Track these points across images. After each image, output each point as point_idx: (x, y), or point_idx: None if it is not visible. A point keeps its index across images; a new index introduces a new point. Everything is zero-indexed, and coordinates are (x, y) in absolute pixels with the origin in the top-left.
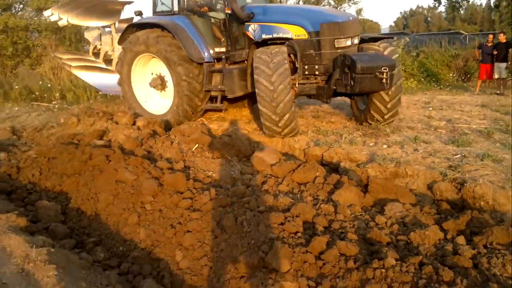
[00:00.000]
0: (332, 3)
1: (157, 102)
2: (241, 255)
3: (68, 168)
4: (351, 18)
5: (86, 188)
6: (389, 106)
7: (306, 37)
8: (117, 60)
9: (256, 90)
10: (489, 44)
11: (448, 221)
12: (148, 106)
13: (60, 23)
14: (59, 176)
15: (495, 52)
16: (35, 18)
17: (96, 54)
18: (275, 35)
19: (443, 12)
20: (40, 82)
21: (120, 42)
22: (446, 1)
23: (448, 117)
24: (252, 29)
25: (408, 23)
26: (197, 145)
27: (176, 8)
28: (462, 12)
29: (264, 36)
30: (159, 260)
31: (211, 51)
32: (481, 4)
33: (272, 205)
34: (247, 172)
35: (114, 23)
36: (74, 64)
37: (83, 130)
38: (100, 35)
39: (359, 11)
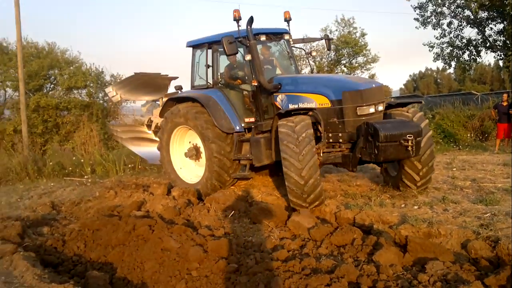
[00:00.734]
0: (346, 70)
1: (192, 171)
2: None
3: (113, 239)
4: (373, 85)
5: (132, 258)
6: (421, 173)
7: (329, 105)
8: (157, 126)
9: (282, 158)
10: (504, 104)
11: (489, 277)
12: (183, 174)
13: (114, 99)
14: (103, 247)
15: (511, 111)
16: (65, 97)
17: (149, 126)
18: (300, 105)
19: (453, 73)
20: (74, 158)
21: (161, 114)
22: (455, 63)
23: (472, 177)
24: (280, 99)
25: (418, 85)
26: (233, 211)
27: (210, 82)
28: (471, 72)
29: (291, 106)
30: None
31: (242, 122)
32: (489, 64)
33: (315, 267)
34: (285, 237)
35: (162, 97)
36: (125, 136)
37: (121, 202)
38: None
39: (372, 77)
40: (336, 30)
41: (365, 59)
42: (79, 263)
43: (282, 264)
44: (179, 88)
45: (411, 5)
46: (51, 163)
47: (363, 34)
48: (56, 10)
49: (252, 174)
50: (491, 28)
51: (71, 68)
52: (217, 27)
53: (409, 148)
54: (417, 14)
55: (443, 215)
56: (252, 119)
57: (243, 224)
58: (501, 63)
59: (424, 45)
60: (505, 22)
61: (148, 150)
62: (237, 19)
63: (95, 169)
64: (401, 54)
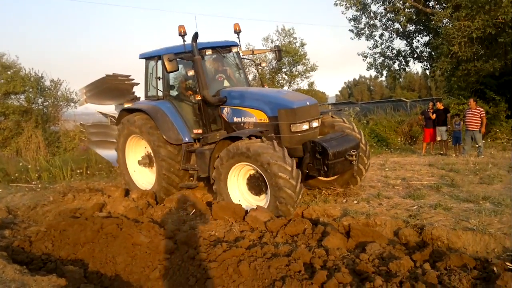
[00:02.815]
0: (287, 78)
1: (145, 176)
2: None
3: (81, 238)
4: (308, 103)
5: (103, 254)
6: (367, 166)
7: (267, 121)
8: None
9: (275, 175)
10: (430, 111)
11: (416, 253)
12: (136, 178)
13: (79, 103)
14: (72, 246)
15: (433, 116)
16: (2, 102)
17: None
18: (243, 119)
19: (384, 81)
20: (21, 164)
21: (116, 124)
22: (387, 72)
23: (402, 176)
24: (226, 111)
25: (353, 92)
26: (194, 210)
27: (160, 94)
28: (401, 80)
29: (235, 119)
30: None
31: (191, 133)
32: (417, 73)
33: (275, 252)
34: (245, 230)
35: (125, 102)
36: (93, 138)
37: (81, 205)
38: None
39: (311, 84)
40: (277, 39)
41: (305, 67)
42: (48, 261)
43: (246, 251)
44: (134, 98)
45: (346, 17)
46: None
47: (302, 44)
48: None
49: (198, 183)
50: (418, 40)
51: (9, 72)
52: (161, 38)
53: (353, 162)
54: (351, 25)
55: (378, 208)
56: (200, 131)
57: (205, 221)
58: (427, 72)
59: (359, 55)
60: (430, 35)
61: (113, 153)
62: (183, 35)
63: (41, 175)
64: (337, 62)
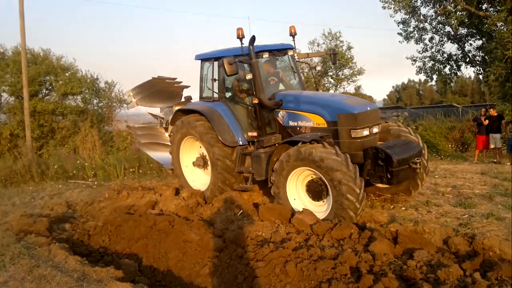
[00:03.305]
0: (333, 81)
1: (199, 178)
2: None
3: (135, 234)
4: (368, 108)
5: (155, 249)
6: (427, 170)
7: (325, 126)
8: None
9: (338, 182)
10: (483, 117)
11: (466, 262)
12: (190, 180)
13: (130, 106)
14: (127, 240)
15: (485, 122)
16: (60, 103)
17: (167, 129)
18: (299, 123)
19: (434, 85)
20: (78, 161)
21: (171, 123)
22: (437, 77)
23: (452, 184)
24: (281, 115)
25: (401, 96)
26: (241, 211)
27: (216, 96)
28: (452, 85)
29: (291, 123)
30: None
31: (246, 135)
32: (470, 77)
33: (321, 255)
34: (291, 232)
35: (174, 105)
36: (143, 141)
37: (134, 202)
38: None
39: (357, 88)
40: (324, 43)
41: (351, 71)
42: (105, 254)
43: (292, 252)
44: (188, 98)
45: (394, 20)
46: (55, 167)
47: (349, 48)
48: (50, 17)
49: (253, 186)
50: (471, 44)
51: (67, 74)
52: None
53: (417, 170)
54: (400, 29)
55: (427, 216)
56: (255, 133)
57: (252, 221)
58: (480, 77)
59: (407, 58)
60: (483, 39)
61: (163, 155)
62: (241, 37)
63: (97, 173)
64: (384, 66)
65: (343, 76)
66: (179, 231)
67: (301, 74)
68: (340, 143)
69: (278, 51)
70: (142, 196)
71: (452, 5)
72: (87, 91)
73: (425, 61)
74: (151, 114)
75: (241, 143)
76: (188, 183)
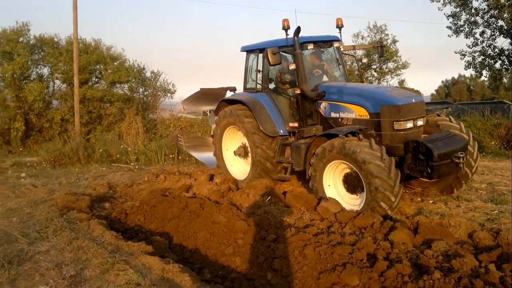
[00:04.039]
0: (376, 75)
1: (241, 167)
2: (320, 274)
3: (168, 214)
4: (413, 100)
5: (186, 229)
6: (474, 169)
7: (368, 117)
8: (212, 134)
9: (373, 177)
10: None
11: (483, 254)
12: (232, 169)
13: (177, 110)
14: (160, 220)
15: None
16: (109, 90)
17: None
18: (341, 114)
19: (486, 81)
20: (122, 146)
21: (216, 113)
22: (487, 72)
23: (488, 181)
24: (323, 106)
25: (451, 91)
26: (269, 197)
27: (259, 86)
28: (505, 81)
29: (332, 114)
30: (253, 280)
31: (286, 126)
32: None
33: (340, 241)
34: (315, 219)
35: None
36: (187, 144)
37: (170, 185)
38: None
39: (401, 82)
40: (368, 36)
41: (396, 65)
42: (140, 231)
43: (312, 237)
44: (233, 89)
45: (444, 13)
46: (100, 150)
47: (394, 41)
48: (103, 10)
49: (291, 177)
50: None
51: (115, 63)
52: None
53: (460, 165)
54: (450, 22)
55: (455, 210)
56: (296, 124)
57: (278, 207)
58: None
59: (456, 53)
60: None
61: (207, 155)
62: (286, 28)
63: (139, 158)
64: (433, 60)
65: (387, 70)
66: (208, 213)
67: (346, 67)
68: (382, 135)
69: (324, 42)
70: (178, 180)
71: None
72: (133, 80)
73: (474, 56)
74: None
75: (281, 133)
76: (229, 172)
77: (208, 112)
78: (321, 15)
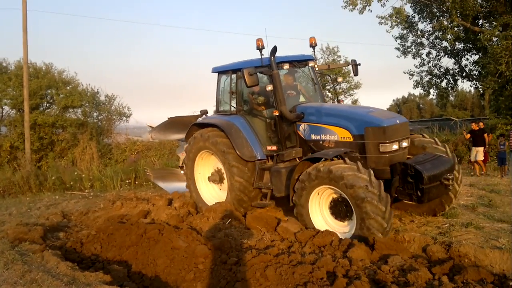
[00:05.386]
0: (330, 95)
1: (214, 193)
2: None
3: (126, 241)
4: (398, 121)
5: (145, 256)
6: (457, 194)
7: (351, 140)
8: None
9: (362, 200)
10: (475, 129)
11: (436, 266)
12: (205, 195)
13: (145, 139)
14: (118, 248)
15: (467, 136)
16: (61, 116)
17: (182, 167)
18: (322, 136)
19: (435, 99)
20: (76, 173)
21: (186, 138)
22: (434, 91)
23: None
24: (303, 128)
25: (402, 110)
26: (230, 219)
27: (233, 109)
28: (451, 99)
29: (313, 137)
30: None
31: (264, 149)
32: (470, 91)
33: (300, 261)
34: (275, 239)
35: None
36: (155, 175)
37: (127, 212)
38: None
39: (354, 102)
40: (321, 57)
41: (349, 85)
42: (97, 261)
43: (273, 258)
44: (204, 112)
45: (392, 35)
46: (53, 178)
47: (347, 63)
48: (53, 33)
49: (272, 203)
50: (467, 59)
51: (68, 88)
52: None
53: (450, 186)
54: (398, 43)
55: (409, 225)
56: (274, 147)
57: (239, 229)
58: (479, 90)
59: (405, 73)
60: (479, 54)
61: (177, 186)
62: (260, 48)
63: (93, 184)
64: (383, 80)
65: (340, 90)
66: (167, 239)
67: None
68: (367, 158)
69: (299, 62)
70: (136, 206)
71: (449, 20)
72: (87, 104)
73: (422, 75)
74: (150, 126)
75: (259, 157)
76: (202, 200)
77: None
78: (273, 38)
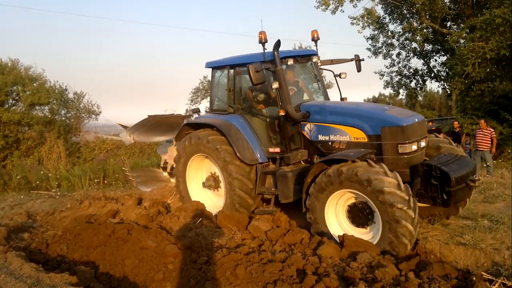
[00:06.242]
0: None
1: (209, 200)
2: None
3: (94, 242)
4: (416, 119)
5: (113, 257)
6: (471, 196)
7: (366, 140)
8: (173, 167)
9: (390, 205)
10: (457, 129)
11: (403, 263)
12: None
13: (126, 142)
14: (85, 248)
15: (463, 138)
16: (27, 113)
17: (165, 168)
18: (331, 137)
19: (404, 99)
20: (42, 172)
21: (177, 139)
22: (403, 91)
23: None
24: (308, 128)
25: None
26: (200, 218)
27: (231, 107)
28: (420, 98)
29: (320, 137)
30: None
31: (265, 152)
32: (438, 91)
33: (271, 259)
34: (246, 238)
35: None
36: (139, 179)
37: (96, 211)
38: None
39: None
40: None
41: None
42: (63, 262)
43: (244, 256)
44: (196, 111)
45: (363, 36)
46: (18, 177)
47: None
48: (21, 29)
49: (277, 210)
50: (436, 60)
51: (35, 84)
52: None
53: (474, 189)
54: (369, 44)
55: None
56: (277, 149)
57: (210, 229)
58: (446, 90)
59: (375, 73)
60: (447, 55)
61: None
62: (263, 42)
63: (61, 184)
64: (354, 80)
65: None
66: (136, 239)
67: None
68: (383, 160)
69: (302, 57)
70: (104, 205)
71: (418, 22)
72: (55, 101)
73: (392, 76)
74: (121, 125)
75: (261, 160)
76: None
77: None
78: (250, 36)
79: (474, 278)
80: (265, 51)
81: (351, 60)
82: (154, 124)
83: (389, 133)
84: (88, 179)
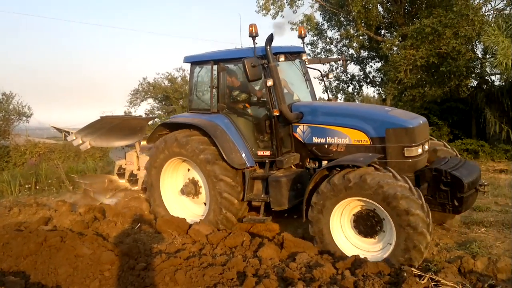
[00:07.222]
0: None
1: (187, 209)
2: None
3: (24, 250)
4: (421, 121)
5: (45, 265)
6: None
7: (368, 143)
8: (131, 174)
9: (406, 212)
10: None
11: (339, 262)
12: (175, 212)
13: (82, 147)
14: (14, 258)
15: None
16: None
17: (121, 174)
18: (329, 139)
19: None
20: None
21: (149, 141)
22: (341, 96)
23: None
24: (301, 130)
25: None
26: (139, 224)
27: (214, 106)
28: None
29: (315, 140)
30: None
31: (253, 155)
32: (374, 96)
33: (211, 263)
34: (187, 242)
35: (139, 141)
36: (95, 190)
37: (26, 219)
38: (125, 154)
39: None
40: None
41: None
42: None
43: (184, 261)
44: (171, 110)
45: (301, 42)
46: None
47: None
48: None
49: (268, 218)
50: (371, 66)
51: None
52: None
53: (484, 193)
54: (309, 50)
55: None
56: (267, 152)
57: (149, 234)
58: (381, 95)
59: (315, 78)
60: (381, 62)
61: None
62: (254, 36)
63: None
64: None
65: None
66: (70, 246)
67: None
68: (387, 164)
69: (291, 54)
70: (35, 212)
71: (354, 29)
72: None
73: (330, 81)
74: (55, 128)
75: (249, 164)
76: (170, 215)
77: (63, 132)
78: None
79: (405, 274)
80: (256, 45)
81: (339, 59)
82: (114, 127)
83: (394, 135)
84: (18, 184)
